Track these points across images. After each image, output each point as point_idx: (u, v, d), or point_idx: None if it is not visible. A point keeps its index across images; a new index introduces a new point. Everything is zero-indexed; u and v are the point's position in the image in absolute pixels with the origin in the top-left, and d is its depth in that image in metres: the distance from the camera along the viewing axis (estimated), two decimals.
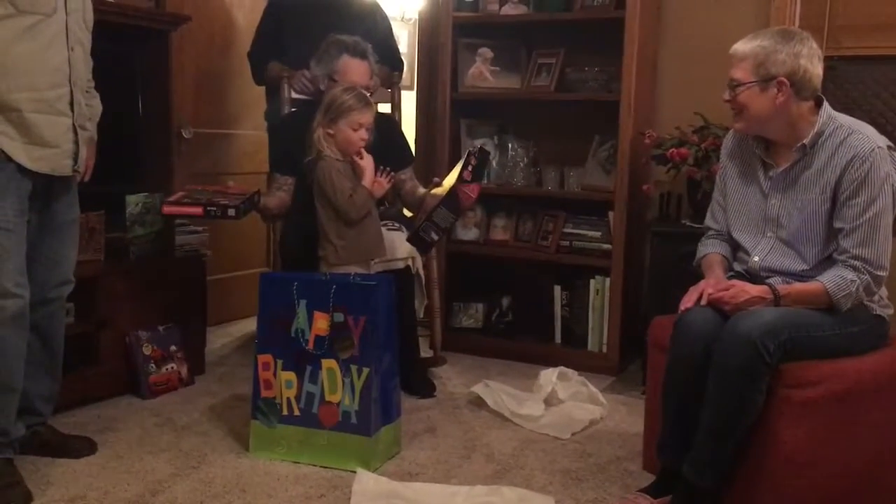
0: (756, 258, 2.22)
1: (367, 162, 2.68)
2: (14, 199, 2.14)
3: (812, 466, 2.04)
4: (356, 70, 2.98)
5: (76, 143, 2.25)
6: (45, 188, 2.25)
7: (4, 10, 2.07)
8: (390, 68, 3.50)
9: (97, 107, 2.41)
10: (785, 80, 2.06)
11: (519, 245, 3.67)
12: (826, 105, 2.15)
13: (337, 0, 3.50)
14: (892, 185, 2.08)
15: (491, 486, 2.29)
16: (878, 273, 2.07)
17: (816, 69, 2.09)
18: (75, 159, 2.26)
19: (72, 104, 2.22)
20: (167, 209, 2.78)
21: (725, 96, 2.16)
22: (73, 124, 2.24)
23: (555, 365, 3.02)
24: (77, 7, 2.24)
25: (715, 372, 2.02)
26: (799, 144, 2.13)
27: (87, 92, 2.33)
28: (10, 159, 2.11)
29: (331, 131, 2.64)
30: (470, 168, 2.67)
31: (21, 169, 2.14)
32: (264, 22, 3.56)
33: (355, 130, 2.63)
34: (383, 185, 2.71)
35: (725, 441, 2.03)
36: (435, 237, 2.70)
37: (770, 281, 2.16)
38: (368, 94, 2.79)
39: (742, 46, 2.13)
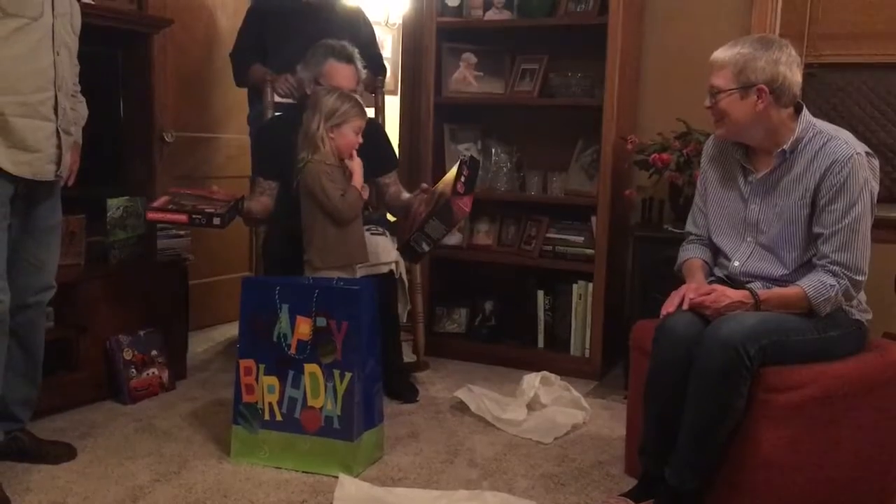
0: (736, 263, 2.24)
1: (357, 164, 2.72)
2: None
3: (793, 470, 2.05)
4: (342, 74, 2.98)
5: (59, 147, 2.24)
6: (27, 193, 2.23)
7: None
8: (374, 73, 3.50)
9: (82, 111, 2.40)
10: (764, 88, 2.08)
11: (502, 250, 3.68)
12: (805, 111, 2.17)
13: (320, 4, 3.50)
14: (871, 191, 2.11)
15: (473, 491, 2.29)
16: (857, 278, 2.09)
17: (796, 76, 2.11)
18: (58, 164, 2.25)
19: (56, 108, 2.21)
20: (151, 215, 2.76)
21: (706, 103, 2.19)
22: (57, 129, 2.22)
23: (538, 369, 3.02)
24: (64, 11, 2.23)
25: (696, 376, 2.03)
26: (779, 150, 2.15)
27: (72, 96, 2.32)
28: None
29: (332, 135, 2.69)
30: (463, 179, 2.68)
31: (2, 173, 2.12)
32: (247, 24, 3.55)
33: (356, 134, 2.71)
34: (366, 187, 2.76)
35: (706, 445, 2.05)
36: (426, 248, 2.71)
37: (750, 286, 2.17)
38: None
39: (722, 54, 2.15)
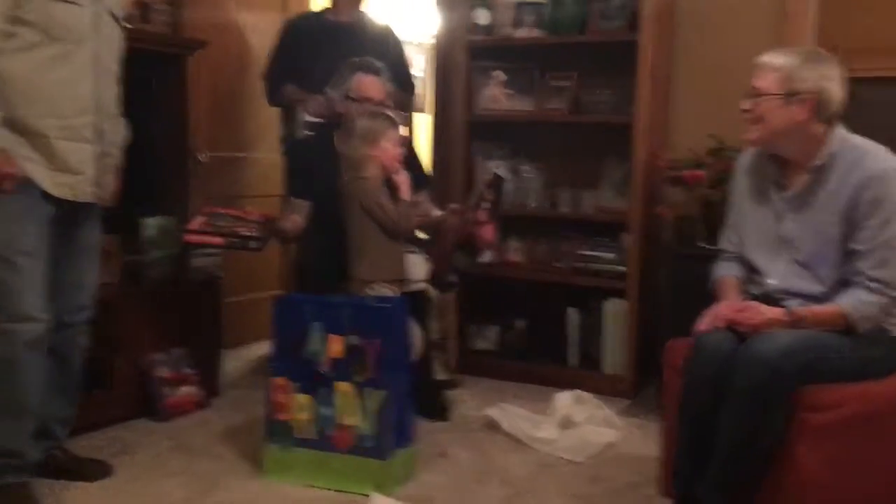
0: (773, 280, 2.20)
1: (403, 177, 2.78)
2: (37, 224, 2.16)
3: (830, 491, 2.01)
4: (370, 85, 3.05)
5: (100, 169, 2.28)
6: (67, 214, 2.27)
7: (36, 37, 2.11)
8: (403, 91, 3.52)
9: (123, 134, 2.44)
10: (808, 99, 2.06)
11: (533, 267, 3.66)
12: (840, 126, 2.15)
13: (351, 24, 3.54)
14: None
15: None
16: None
17: (840, 93, 2.09)
18: (99, 186, 2.29)
19: (98, 132, 2.25)
20: (188, 238, 2.82)
21: (745, 105, 2.16)
22: (98, 151, 2.26)
23: (570, 388, 3.01)
24: (108, 36, 2.28)
25: (730, 395, 2.00)
26: (812, 165, 2.13)
27: (113, 119, 2.36)
28: (34, 185, 2.14)
29: (373, 152, 2.74)
30: (486, 206, 2.69)
31: (44, 194, 2.17)
32: (280, 44, 3.59)
33: (395, 146, 2.78)
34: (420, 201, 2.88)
35: (741, 465, 2.01)
36: (455, 279, 2.74)
37: (787, 303, 2.14)
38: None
39: (771, 58, 2.13)
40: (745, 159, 2.35)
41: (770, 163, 2.23)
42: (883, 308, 2.05)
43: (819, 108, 2.08)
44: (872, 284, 2.04)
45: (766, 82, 2.12)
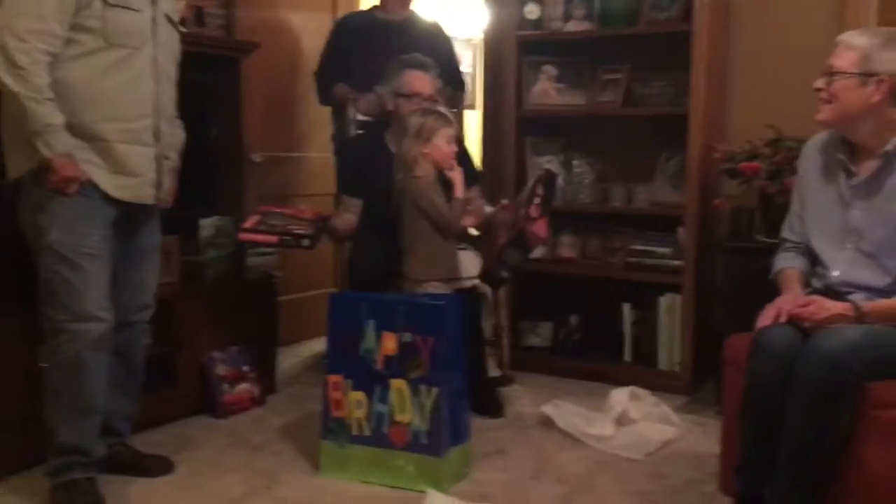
0: (836, 272, 2.14)
1: (457, 174, 2.78)
2: (100, 226, 2.21)
3: None
4: (419, 80, 3.06)
5: (159, 172, 2.33)
6: (128, 216, 2.32)
7: (96, 43, 2.16)
8: (453, 88, 3.52)
9: (181, 136, 2.49)
10: (886, 80, 2.01)
11: (586, 262, 3.63)
12: None
13: (401, 22, 3.55)
14: None
15: None
16: None
17: None
18: (158, 188, 2.33)
19: (157, 135, 2.30)
20: (243, 236, 2.86)
21: (818, 84, 2.11)
22: (158, 154, 2.31)
23: (625, 384, 2.97)
24: (166, 41, 2.32)
25: (796, 393, 1.95)
26: (882, 151, 2.06)
27: (171, 122, 2.40)
28: (96, 188, 2.19)
29: (426, 150, 2.73)
30: (537, 201, 2.67)
31: (106, 197, 2.22)
32: (331, 43, 3.62)
33: (449, 143, 2.76)
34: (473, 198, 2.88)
35: (808, 465, 1.95)
36: (506, 275, 2.73)
37: (852, 297, 2.08)
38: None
39: (851, 37, 2.08)
40: (812, 145, 2.28)
41: (839, 148, 2.16)
42: None
43: (895, 92, 2.02)
44: None
45: (842, 61, 2.06)
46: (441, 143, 2.75)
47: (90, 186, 2.18)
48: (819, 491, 1.98)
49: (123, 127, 2.21)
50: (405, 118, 2.81)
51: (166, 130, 2.34)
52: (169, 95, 2.37)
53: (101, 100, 2.17)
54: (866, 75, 2.03)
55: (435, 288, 2.68)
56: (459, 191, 2.76)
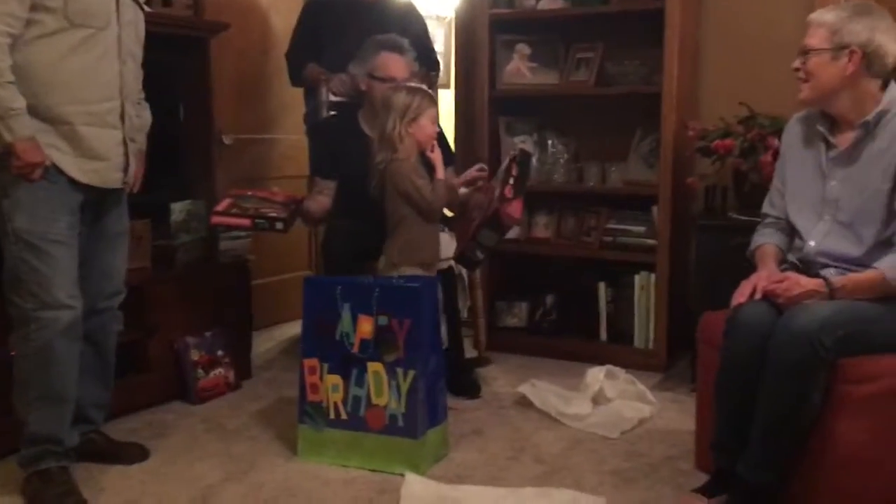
0: (812, 243, 2.17)
1: (438, 155, 2.75)
2: (66, 212, 2.17)
3: (872, 465, 1.97)
4: (394, 64, 3.01)
5: (126, 155, 2.28)
6: (95, 200, 2.27)
7: (58, 23, 2.10)
8: (427, 68, 3.49)
9: (147, 118, 2.44)
10: (857, 51, 2.04)
11: (561, 242, 3.64)
12: (893, 85, 2.11)
13: (373, 1, 3.50)
14: None
15: (540, 488, 2.27)
16: None
17: (892, 47, 2.06)
18: (125, 172, 2.29)
19: (122, 117, 2.25)
20: (215, 219, 2.83)
21: (795, 64, 2.14)
22: (124, 137, 2.26)
23: (601, 363, 2.98)
24: (130, 20, 2.27)
25: (770, 368, 1.97)
26: (862, 121, 2.09)
27: (137, 104, 2.36)
28: (61, 172, 2.15)
29: (411, 130, 2.69)
30: (511, 182, 2.66)
31: (72, 182, 2.17)
32: (301, 23, 3.58)
33: (433, 123, 2.73)
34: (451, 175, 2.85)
35: (782, 439, 1.98)
36: (481, 256, 2.72)
37: (824, 273, 2.10)
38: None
39: (820, 15, 2.12)
40: (794, 120, 2.31)
41: (820, 122, 2.19)
42: None
43: (869, 62, 2.05)
44: None
45: (814, 39, 2.09)
46: (426, 124, 2.71)
47: (55, 171, 2.13)
48: (791, 464, 2.00)
49: (88, 109, 2.16)
50: (389, 96, 2.75)
51: (132, 112, 2.30)
52: (134, 76, 2.32)
53: (64, 82, 2.12)
54: (838, 49, 2.06)
55: (411, 270, 2.66)
56: (441, 172, 2.73)
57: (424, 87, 2.82)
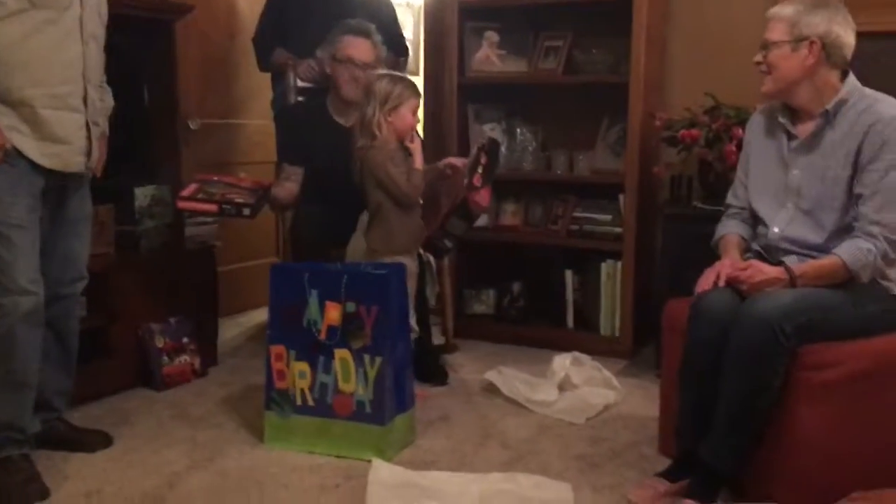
0: (776, 229, 2.22)
1: (417, 145, 2.72)
2: (26, 196, 2.13)
3: (831, 449, 2.02)
4: (357, 46, 3.01)
5: (89, 139, 2.24)
6: (57, 185, 2.24)
7: (19, 4, 2.05)
8: (395, 54, 3.48)
9: (109, 102, 2.40)
10: (816, 41, 2.10)
11: (529, 230, 3.65)
12: (852, 76, 2.17)
13: None
14: None
15: (507, 473, 2.29)
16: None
17: (849, 38, 2.13)
18: (88, 156, 2.25)
19: (85, 100, 2.21)
20: (181, 204, 2.79)
21: (757, 58, 2.20)
22: (86, 120, 2.22)
23: (568, 350, 3.01)
24: (92, 2, 2.22)
25: (731, 354, 2.01)
26: (822, 110, 2.14)
27: (100, 87, 2.32)
28: (22, 156, 2.11)
29: (391, 119, 2.65)
30: (479, 171, 2.66)
31: (33, 165, 2.13)
32: (268, 7, 3.54)
33: (413, 115, 2.70)
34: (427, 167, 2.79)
35: (743, 424, 2.02)
36: (450, 244, 2.72)
37: (785, 260, 2.14)
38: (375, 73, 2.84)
39: (779, 9, 2.18)
40: (756, 115, 2.36)
41: (782, 113, 2.24)
42: (882, 253, 2.05)
43: (828, 52, 2.11)
44: (873, 228, 2.05)
45: (774, 33, 2.15)
46: (406, 114, 2.67)
47: (15, 155, 2.09)
48: (751, 447, 2.05)
49: (50, 92, 2.12)
50: (371, 83, 2.72)
51: (95, 96, 2.26)
52: (97, 59, 2.28)
53: (25, 64, 2.07)
54: (798, 41, 2.12)
55: (393, 259, 2.63)
56: (419, 162, 2.70)
57: (409, 77, 2.79)
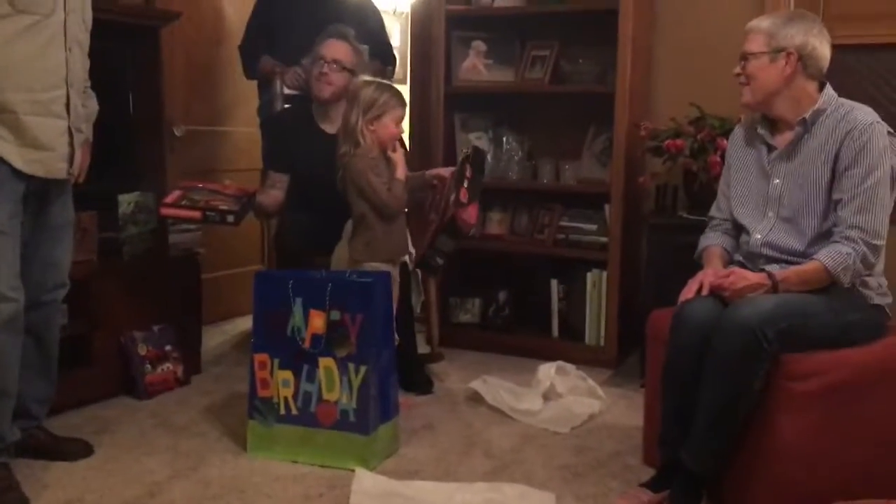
0: (758, 235, 2.25)
1: (399, 155, 2.70)
2: (8, 201, 2.11)
3: (813, 458, 2.03)
4: (336, 48, 3.01)
5: (71, 145, 2.22)
6: (39, 191, 2.22)
7: (2, 9, 2.04)
8: (382, 63, 3.48)
9: (93, 108, 2.39)
10: (794, 52, 2.15)
11: (515, 239, 3.66)
12: (829, 87, 2.22)
13: None
14: (892, 166, 2.13)
15: (491, 483, 2.28)
16: (875, 242, 2.09)
17: (825, 49, 2.18)
18: (70, 162, 2.23)
19: (68, 106, 2.19)
20: (164, 211, 2.78)
21: (736, 70, 2.24)
22: (69, 126, 2.21)
23: (553, 359, 3.01)
24: (76, 7, 2.21)
25: (713, 359, 2.02)
26: (799, 119, 2.19)
27: (83, 93, 2.30)
28: (3, 162, 2.09)
29: (373, 127, 2.63)
30: (465, 185, 2.66)
31: (15, 171, 2.11)
32: (255, 16, 3.54)
33: (397, 126, 2.67)
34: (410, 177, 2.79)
35: (723, 428, 2.04)
36: (440, 261, 2.72)
37: (767, 268, 2.16)
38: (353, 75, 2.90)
39: (757, 22, 2.23)
40: (738, 130, 2.41)
41: (761, 125, 2.29)
42: (862, 257, 2.08)
43: (805, 63, 2.16)
44: (851, 232, 2.08)
45: (753, 44, 2.20)
46: (389, 123, 2.64)
47: None
48: (731, 451, 2.06)
49: (33, 98, 2.10)
50: (357, 89, 2.69)
51: (78, 102, 2.24)
52: (80, 65, 2.26)
53: (7, 69, 2.06)
54: (776, 52, 2.16)
55: (377, 267, 2.62)
56: (401, 172, 2.68)
57: (395, 87, 2.78)
